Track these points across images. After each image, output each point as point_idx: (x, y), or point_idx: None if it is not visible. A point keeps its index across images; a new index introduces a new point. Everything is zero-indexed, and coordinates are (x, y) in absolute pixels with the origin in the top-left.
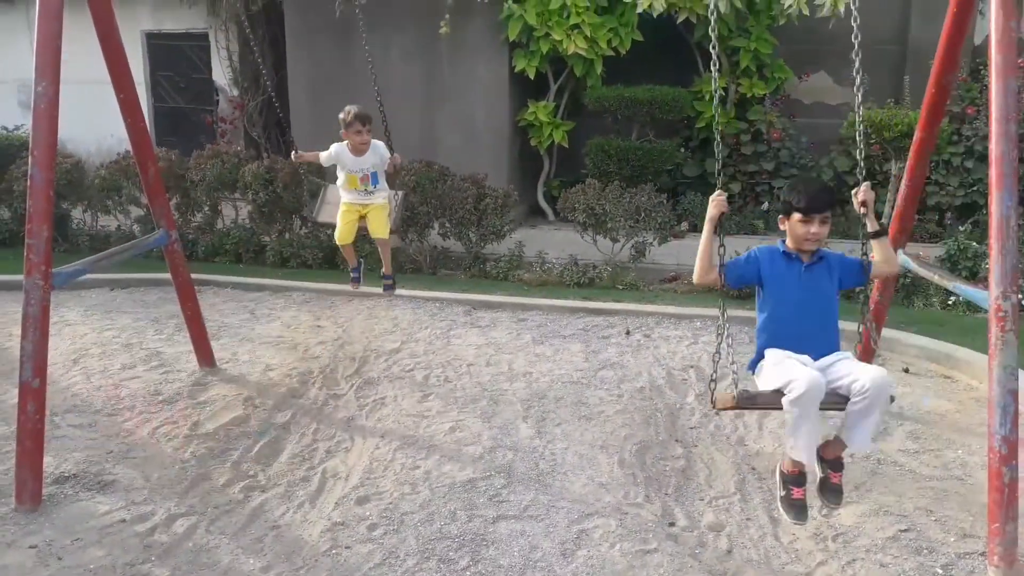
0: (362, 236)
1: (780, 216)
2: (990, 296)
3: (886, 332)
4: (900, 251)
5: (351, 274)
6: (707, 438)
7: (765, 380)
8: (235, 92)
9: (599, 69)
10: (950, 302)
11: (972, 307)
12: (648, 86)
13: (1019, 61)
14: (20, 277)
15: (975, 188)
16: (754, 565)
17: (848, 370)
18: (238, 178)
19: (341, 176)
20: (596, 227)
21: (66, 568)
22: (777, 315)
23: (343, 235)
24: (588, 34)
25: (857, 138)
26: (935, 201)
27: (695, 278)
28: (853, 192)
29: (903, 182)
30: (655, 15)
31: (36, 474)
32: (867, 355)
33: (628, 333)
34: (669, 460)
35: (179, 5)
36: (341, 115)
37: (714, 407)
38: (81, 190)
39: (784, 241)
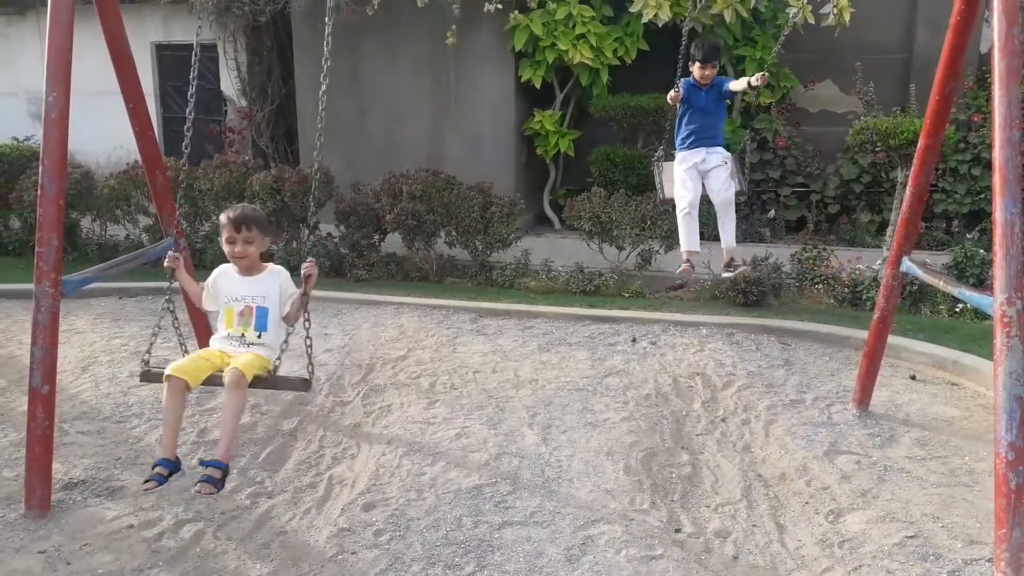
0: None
1: (691, 64)
2: (995, 302)
3: (893, 339)
4: (906, 258)
5: (154, 468)
6: (713, 445)
7: (669, 175)
8: (243, 102)
9: (605, 78)
10: (957, 309)
11: (979, 314)
12: (654, 95)
13: (1022, 69)
14: (30, 286)
15: (982, 195)
16: (760, 571)
17: (716, 186)
18: (246, 187)
19: (220, 312)
20: (602, 235)
21: (74, 573)
22: (686, 120)
23: (183, 370)
24: (594, 43)
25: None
26: (942, 209)
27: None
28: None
29: (908, 189)
30: (660, 25)
31: (45, 480)
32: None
33: (634, 341)
34: (675, 467)
35: (188, 16)
36: (221, 215)
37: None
38: (90, 199)
39: (692, 77)
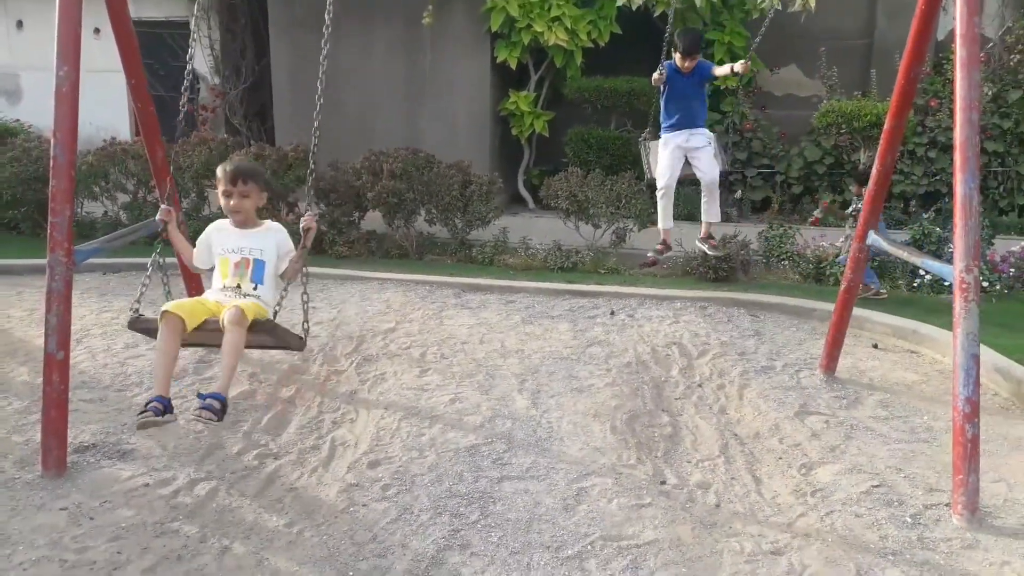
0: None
1: (673, 51)
2: (955, 269)
3: (857, 311)
4: (872, 232)
5: (147, 406)
6: (691, 408)
7: (655, 156)
8: (216, 81)
9: (579, 60)
10: (915, 284)
11: (936, 288)
12: (626, 77)
13: (980, 56)
14: (10, 261)
15: (938, 177)
16: (740, 517)
17: (703, 167)
18: None
19: (216, 265)
20: (578, 214)
21: (99, 527)
22: (670, 103)
23: (180, 308)
24: (568, 26)
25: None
26: (900, 190)
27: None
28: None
29: (875, 167)
30: (633, 8)
31: (61, 441)
32: (835, 332)
33: (613, 313)
34: (657, 427)
35: None
36: (218, 169)
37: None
38: None
39: (675, 62)
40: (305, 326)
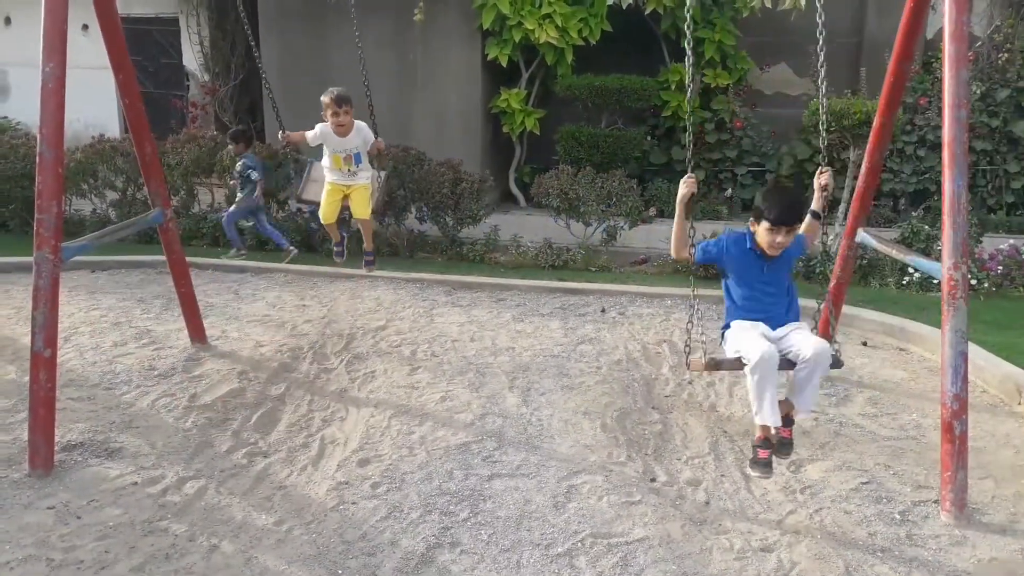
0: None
1: (751, 219)
2: (943, 267)
3: (846, 309)
4: (860, 230)
5: (334, 248)
6: (681, 405)
7: (730, 348)
8: (206, 77)
9: (570, 58)
10: (904, 282)
11: (925, 286)
12: (617, 75)
13: (969, 54)
14: None
15: (927, 175)
16: (730, 514)
17: (797, 340)
18: (215, 162)
19: (326, 157)
20: (569, 211)
21: (86, 526)
22: (743, 301)
23: (327, 214)
24: (559, 24)
25: (820, 126)
26: (889, 188)
27: (673, 252)
28: (818, 172)
29: (863, 164)
30: (624, 6)
31: (48, 440)
32: (825, 327)
33: (603, 311)
34: (647, 425)
35: None
36: (323, 97)
37: (688, 369)
38: None
39: (752, 235)
40: (375, 195)
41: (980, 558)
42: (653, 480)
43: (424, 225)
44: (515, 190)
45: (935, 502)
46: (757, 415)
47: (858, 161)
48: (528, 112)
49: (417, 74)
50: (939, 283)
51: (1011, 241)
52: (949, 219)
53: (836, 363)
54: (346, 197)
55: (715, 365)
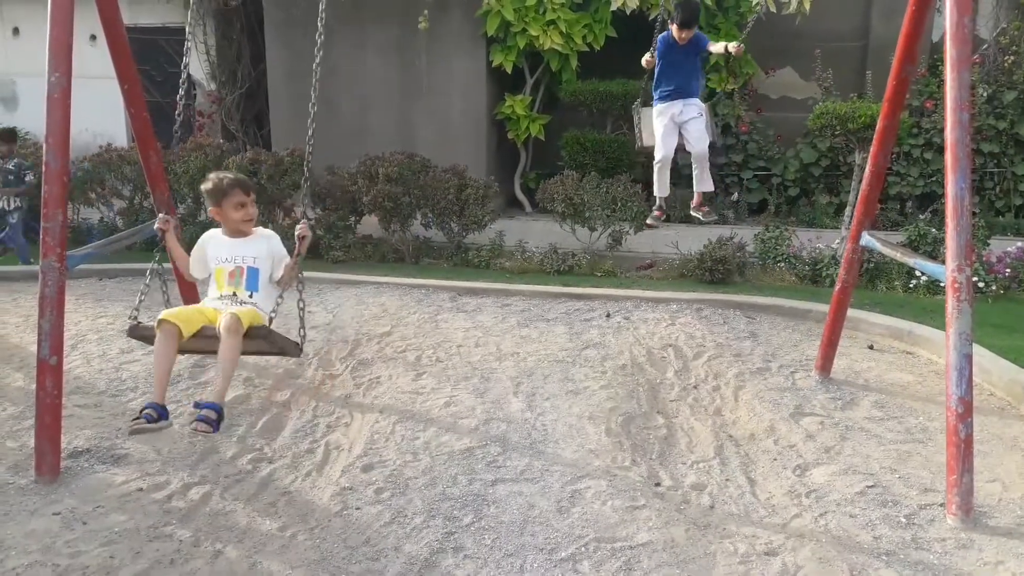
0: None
1: (670, 24)
2: (947, 269)
3: (852, 312)
4: (865, 233)
5: (141, 412)
6: (686, 410)
7: (646, 126)
8: (212, 86)
9: (574, 64)
10: (911, 285)
11: (932, 289)
12: (622, 80)
13: (975, 57)
14: (5, 268)
15: (934, 178)
16: (735, 518)
17: (693, 138)
18: (221, 170)
19: (210, 277)
20: (574, 217)
21: (92, 532)
22: (664, 74)
23: (176, 316)
24: (564, 30)
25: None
26: (896, 191)
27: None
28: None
29: (868, 167)
30: (627, 11)
31: (55, 447)
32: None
33: (608, 316)
34: (652, 429)
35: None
36: (207, 185)
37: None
38: None
39: (671, 34)
40: (301, 332)
41: (987, 561)
42: (657, 484)
43: (429, 231)
44: (520, 196)
45: (941, 505)
46: (656, 192)
47: (863, 164)
48: (533, 118)
49: (422, 81)
50: (944, 286)
51: (1019, 244)
52: (952, 222)
53: (713, 148)
54: (215, 319)
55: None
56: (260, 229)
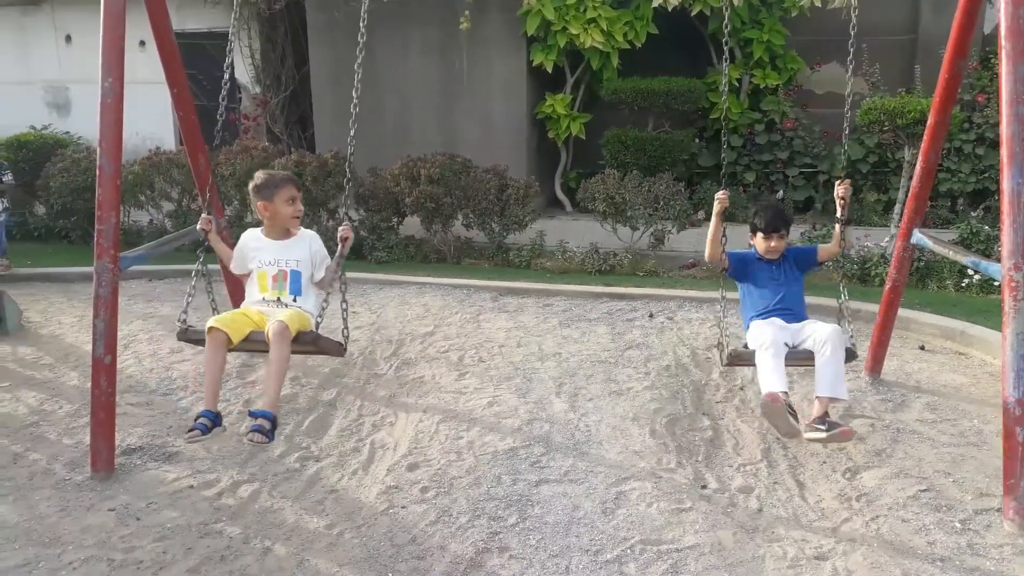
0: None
1: (750, 235)
2: (1003, 267)
3: (903, 312)
4: (916, 231)
5: (195, 421)
6: (732, 412)
7: (751, 345)
8: (257, 90)
9: (615, 62)
10: (963, 284)
11: (984, 288)
12: (663, 78)
13: None
14: (60, 269)
15: (986, 175)
16: (783, 521)
17: (811, 330)
18: None
19: (252, 277)
20: (616, 216)
21: (145, 527)
22: (757, 299)
23: (225, 323)
24: (604, 28)
25: (844, 147)
26: (947, 188)
27: (707, 255)
28: (837, 183)
29: (918, 164)
30: (670, 8)
31: (109, 444)
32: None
33: (651, 316)
34: (698, 431)
35: (202, 5)
36: (255, 182)
37: (723, 364)
38: None
39: (755, 251)
40: (345, 333)
41: None
42: (704, 487)
43: (470, 231)
44: (561, 195)
45: (998, 510)
46: (764, 385)
47: (913, 161)
48: (574, 117)
49: (463, 82)
50: (1000, 284)
51: None
52: (1009, 218)
53: (851, 355)
54: (263, 323)
55: (736, 358)
56: (302, 230)
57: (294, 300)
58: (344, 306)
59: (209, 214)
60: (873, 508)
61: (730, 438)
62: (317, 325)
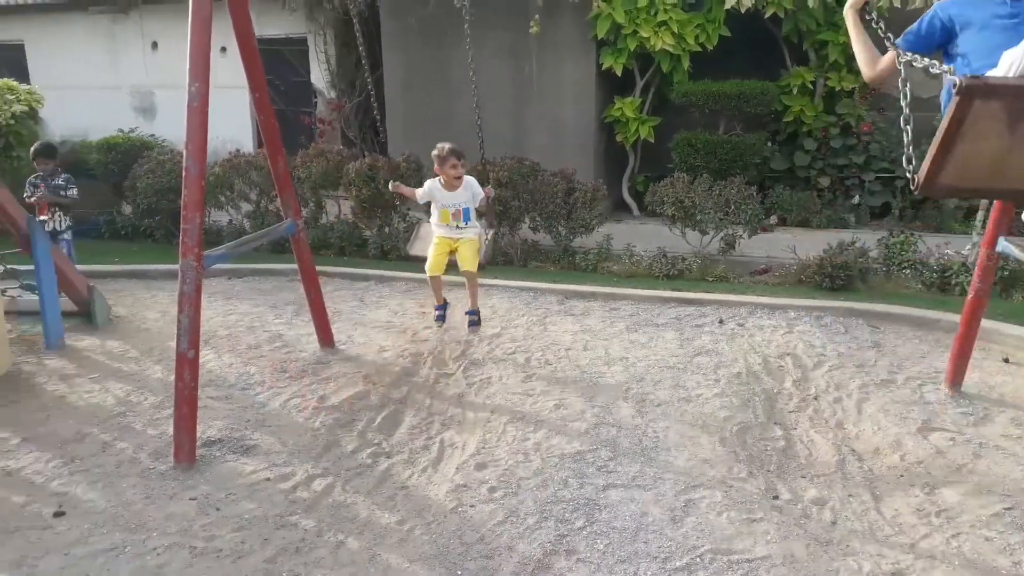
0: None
1: None
2: None
3: (986, 323)
4: (1001, 238)
5: (435, 312)
6: (806, 422)
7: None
8: (332, 94)
9: (686, 64)
10: None
11: None
12: (735, 80)
13: None
14: (145, 266)
15: None
16: (859, 535)
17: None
18: (342, 175)
19: (434, 212)
20: (685, 220)
21: (224, 517)
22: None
23: (434, 266)
24: (675, 30)
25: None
26: None
27: (865, 75)
28: None
29: None
30: (742, 10)
31: (191, 436)
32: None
33: (721, 322)
34: (769, 441)
35: (280, 11)
36: (435, 152)
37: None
38: None
39: None
40: (485, 239)
41: None
42: (776, 497)
43: (537, 234)
44: (628, 199)
45: None
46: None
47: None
48: (642, 120)
49: (533, 86)
50: None
51: None
52: None
53: None
54: (453, 251)
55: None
56: (466, 178)
57: (466, 224)
58: (487, 232)
59: (286, 216)
60: (954, 525)
61: (803, 448)
62: (480, 237)
